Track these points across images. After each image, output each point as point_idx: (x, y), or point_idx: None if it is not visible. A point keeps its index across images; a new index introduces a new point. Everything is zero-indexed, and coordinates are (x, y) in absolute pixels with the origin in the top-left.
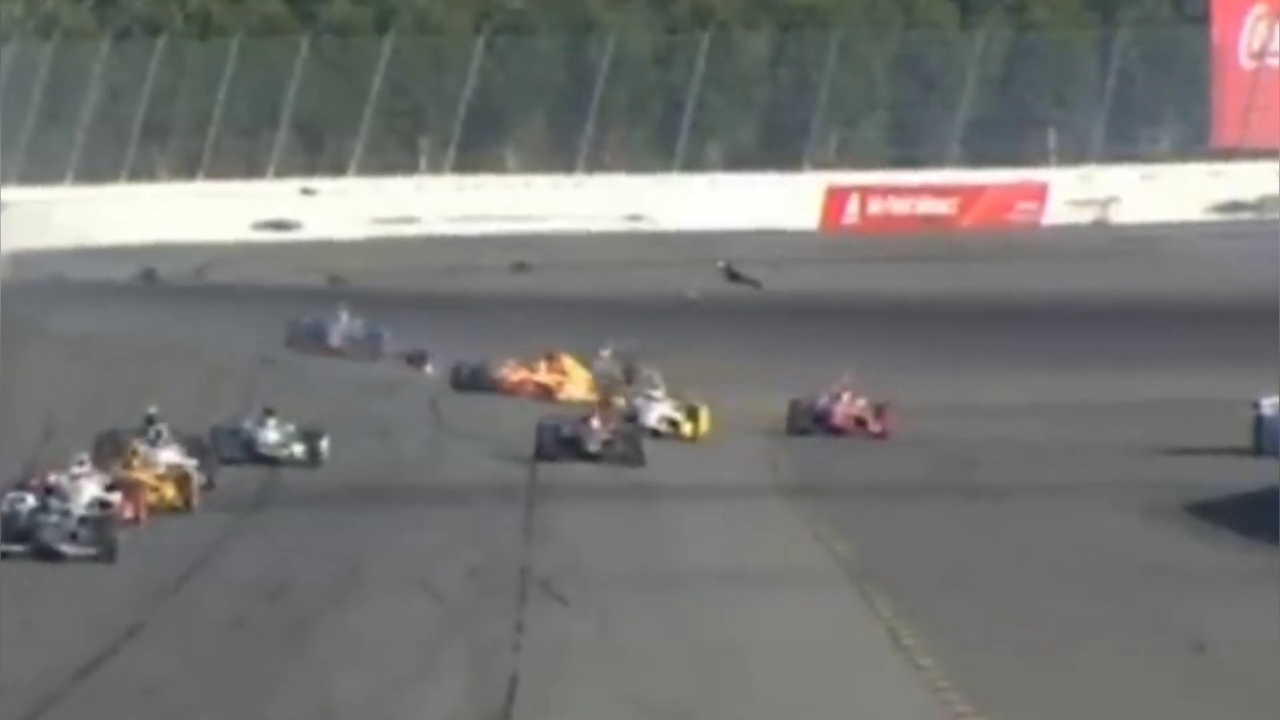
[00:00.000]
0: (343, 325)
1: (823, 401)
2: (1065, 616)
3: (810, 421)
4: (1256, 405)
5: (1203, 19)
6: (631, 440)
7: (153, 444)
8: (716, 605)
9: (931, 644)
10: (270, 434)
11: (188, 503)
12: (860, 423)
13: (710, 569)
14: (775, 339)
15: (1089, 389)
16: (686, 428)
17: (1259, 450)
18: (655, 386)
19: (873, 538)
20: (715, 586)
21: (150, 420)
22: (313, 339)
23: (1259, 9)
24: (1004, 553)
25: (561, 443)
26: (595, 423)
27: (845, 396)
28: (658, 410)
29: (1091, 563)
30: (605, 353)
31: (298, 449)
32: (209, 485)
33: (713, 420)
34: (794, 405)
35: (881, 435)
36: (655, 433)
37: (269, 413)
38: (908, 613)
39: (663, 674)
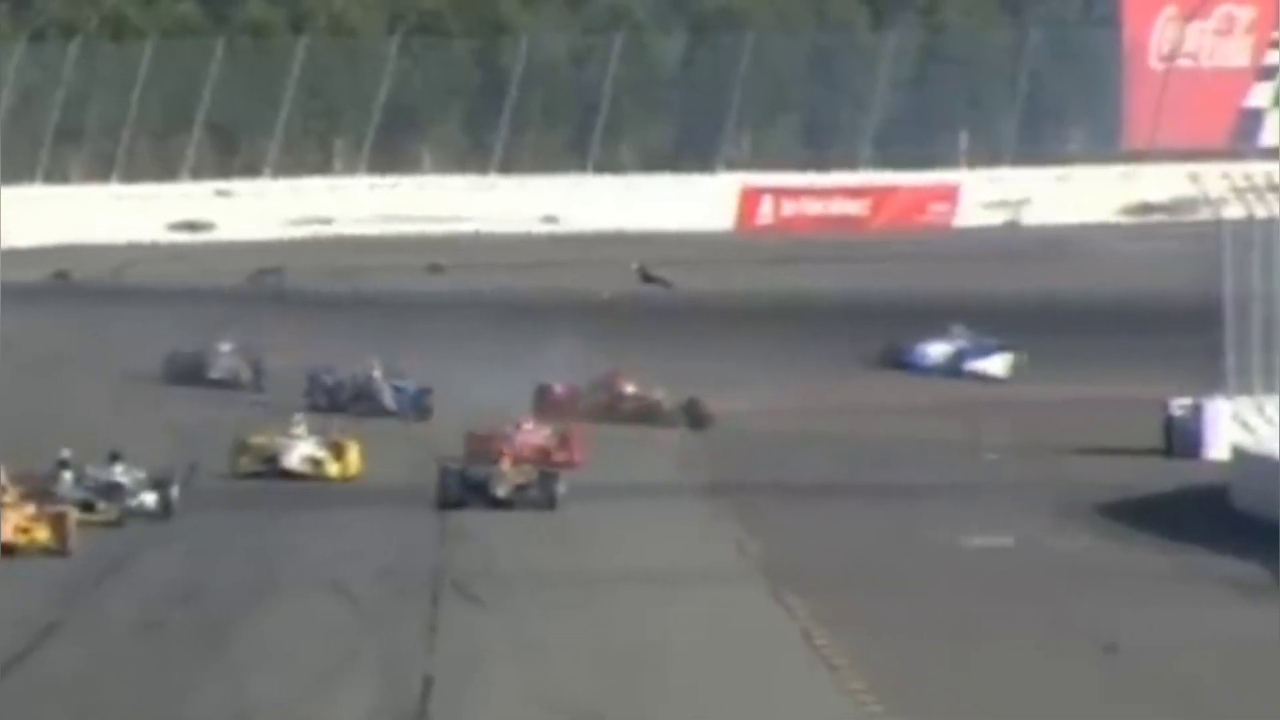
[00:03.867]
0: (222, 357)
1: (504, 430)
2: (978, 616)
3: (487, 451)
4: (1167, 406)
5: (1113, 21)
6: (546, 483)
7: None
8: (630, 606)
9: (845, 644)
10: (117, 481)
11: (63, 544)
12: (544, 452)
13: (624, 569)
14: (687, 339)
15: (1001, 389)
16: (332, 467)
17: (1170, 451)
18: (297, 424)
19: (785, 537)
20: (629, 587)
21: (64, 464)
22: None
23: (1169, 11)
24: (917, 553)
25: (468, 488)
26: (505, 465)
27: (526, 425)
28: (300, 449)
29: (1004, 562)
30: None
31: (148, 498)
32: (118, 522)
33: (363, 458)
34: (471, 436)
35: (568, 464)
36: (297, 474)
37: (115, 457)
38: (821, 613)
39: (576, 675)
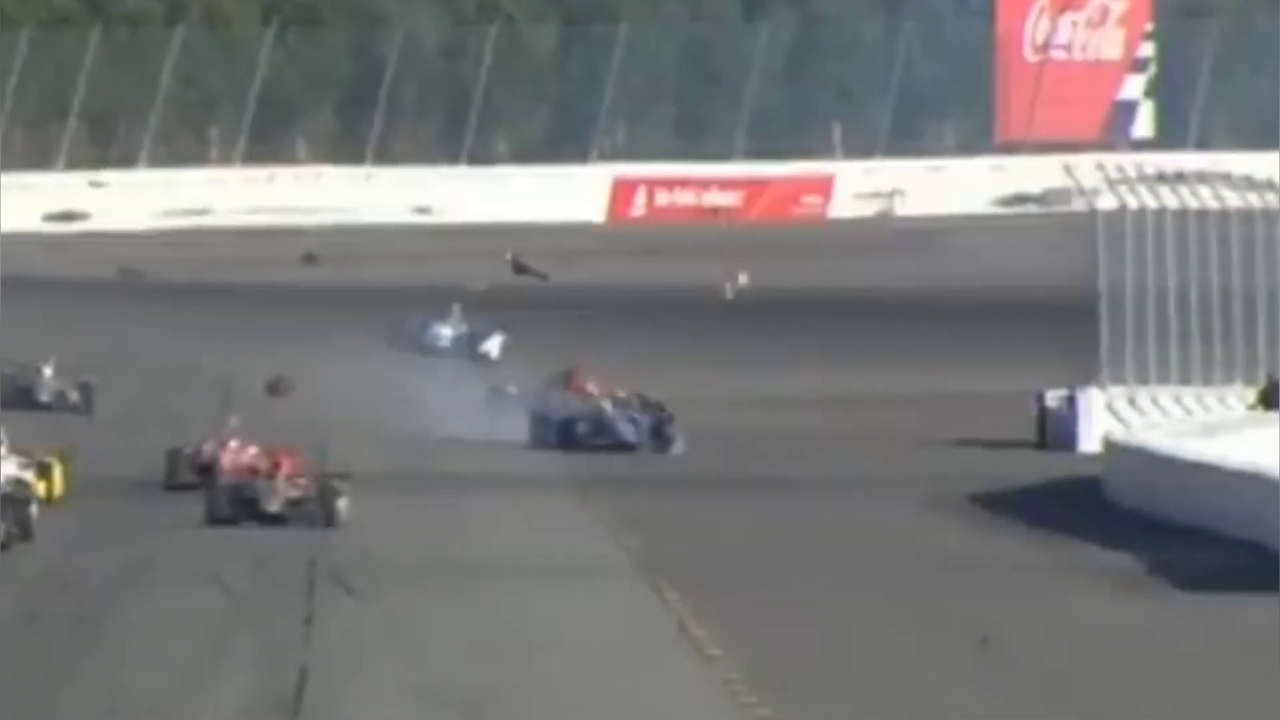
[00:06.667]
0: (47, 380)
1: (207, 450)
2: (853, 608)
3: (193, 473)
4: (1040, 398)
5: (987, 13)
6: (325, 497)
7: None
8: (507, 598)
9: (721, 636)
10: None
11: None
12: (254, 472)
13: (501, 562)
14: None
15: (875, 381)
16: (39, 487)
17: (1043, 443)
18: None
19: (662, 530)
20: (506, 579)
21: None
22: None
23: (1042, 3)
24: (792, 545)
25: (239, 503)
26: (281, 478)
27: (233, 444)
28: (3, 469)
29: (878, 555)
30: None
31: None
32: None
33: (69, 478)
34: (173, 455)
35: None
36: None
37: None
38: (697, 605)
39: (452, 666)
